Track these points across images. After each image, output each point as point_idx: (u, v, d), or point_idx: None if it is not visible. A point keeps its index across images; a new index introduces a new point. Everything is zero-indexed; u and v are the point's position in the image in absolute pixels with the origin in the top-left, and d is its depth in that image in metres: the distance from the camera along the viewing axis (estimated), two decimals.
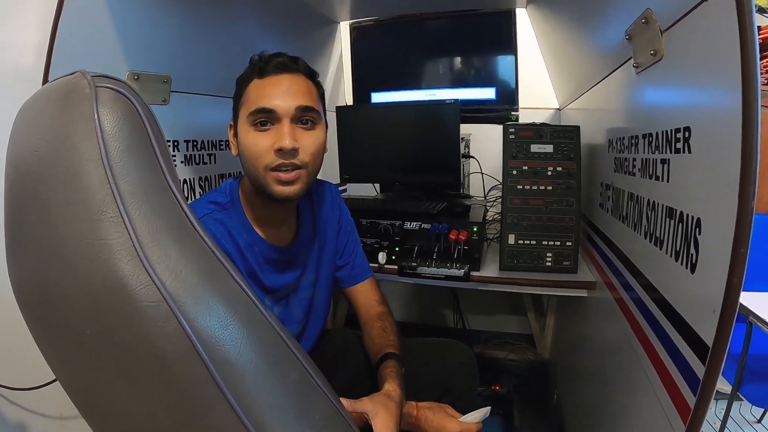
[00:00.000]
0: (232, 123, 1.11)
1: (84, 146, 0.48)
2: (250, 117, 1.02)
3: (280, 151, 1.00)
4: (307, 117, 1.05)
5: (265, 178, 1.02)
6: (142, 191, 0.49)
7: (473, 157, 2.32)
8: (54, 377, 0.60)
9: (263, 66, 1.05)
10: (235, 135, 1.09)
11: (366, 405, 0.98)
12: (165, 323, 0.46)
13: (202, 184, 1.62)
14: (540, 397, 2.25)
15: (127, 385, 0.50)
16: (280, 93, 1.03)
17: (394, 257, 1.65)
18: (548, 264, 1.52)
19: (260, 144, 1.02)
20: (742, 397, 1.64)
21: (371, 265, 1.54)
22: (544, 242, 1.52)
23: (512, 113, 2.32)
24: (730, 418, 1.71)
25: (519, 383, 2.38)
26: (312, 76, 1.11)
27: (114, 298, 0.46)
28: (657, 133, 0.95)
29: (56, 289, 0.50)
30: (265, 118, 1.02)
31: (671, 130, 0.87)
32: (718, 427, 1.79)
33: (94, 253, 0.47)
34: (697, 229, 0.76)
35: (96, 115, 0.48)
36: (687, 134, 0.81)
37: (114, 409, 0.54)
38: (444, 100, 2.03)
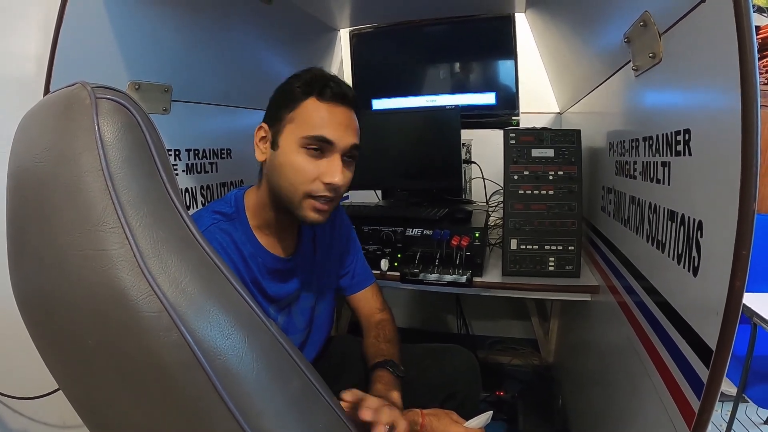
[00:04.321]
0: (264, 126, 1.08)
1: (84, 157, 0.48)
2: (305, 139, 1.01)
3: (329, 185, 1.01)
4: (353, 154, 1.08)
5: (301, 202, 1.03)
6: (143, 202, 0.49)
7: (475, 163, 2.32)
8: (57, 386, 0.60)
9: (322, 88, 1.03)
10: (266, 140, 1.08)
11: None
12: (166, 333, 0.46)
13: (204, 192, 1.63)
14: (544, 401, 2.24)
15: (129, 395, 0.50)
16: (342, 127, 1.03)
17: (396, 264, 1.65)
18: (551, 269, 1.52)
19: (309, 170, 1.01)
20: (748, 399, 1.63)
21: (374, 272, 1.54)
22: (547, 247, 1.51)
23: (513, 118, 2.32)
24: (735, 419, 1.70)
25: (523, 388, 2.37)
26: (359, 110, 1.12)
27: (115, 308, 0.46)
28: (657, 136, 0.95)
29: (58, 299, 0.50)
30: (320, 146, 1.02)
31: (671, 133, 0.87)
32: (724, 430, 1.78)
33: (95, 264, 0.47)
34: (699, 232, 0.75)
35: (96, 126, 0.48)
36: (687, 136, 0.81)
37: (116, 419, 0.54)
38: (444, 106, 2.04)
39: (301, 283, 1.22)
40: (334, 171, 1.01)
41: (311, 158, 1.02)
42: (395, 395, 1.06)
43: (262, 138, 1.09)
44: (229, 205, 1.13)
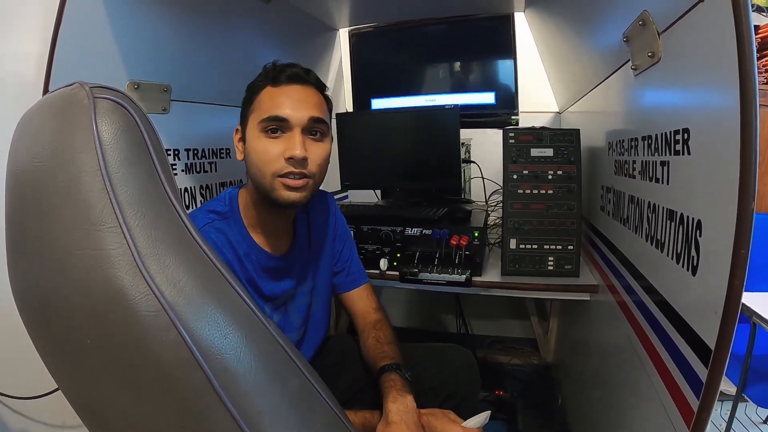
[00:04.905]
0: (239, 127, 1.13)
1: (83, 157, 0.48)
2: (261, 123, 1.04)
3: (290, 160, 1.02)
4: (317, 128, 1.08)
5: (272, 183, 1.04)
6: (141, 201, 0.49)
7: (474, 162, 2.32)
8: (56, 386, 0.60)
9: (277, 74, 1.07)
10: (242, 140, 1.11)
11: None
12: (164, 332, 0.46)
13: (203, 192, 1.62)
14: (544, 401, 2.24)
15: (127, 394, 0.50)
16: (294, 103, 1.05)
17: (395, 263, 1.65)
18: (550, 268, 1.52)
19: (270, 150, 1.03)
20: (747, 398, 1.63)
21: (373, 271, 1.54)
22: (546, 246, 1.51)
23: (512, 117, 2.32)
24: (735, 419, 1.70)
25: (523, 388, 2.37)
26: (322, 89, 1.14)
27: (114, 307, 0.46)
28: (656, 135, 0.95)
29: (56, 299, 0.50)
30: (277, 126, 1.04)
31: (670, 132, 0.87)
32: (724, 429, 1.78)
33: (93, 263, 0.47)
34: (698, 231, 0.75)
35: (94, 126, 0.48)
36: (686, 136, 0.80)
37: (115, 418, 0.54)
38: (444, 106, 2.04)
39: (296, 281, 1.23)
40: (292, 146, 1.02)
41: (271, 140, 1.04)
42: (410, 399, 1.06)
43: (240, 139, 1.12)
44: (223, 204, 1.14)
